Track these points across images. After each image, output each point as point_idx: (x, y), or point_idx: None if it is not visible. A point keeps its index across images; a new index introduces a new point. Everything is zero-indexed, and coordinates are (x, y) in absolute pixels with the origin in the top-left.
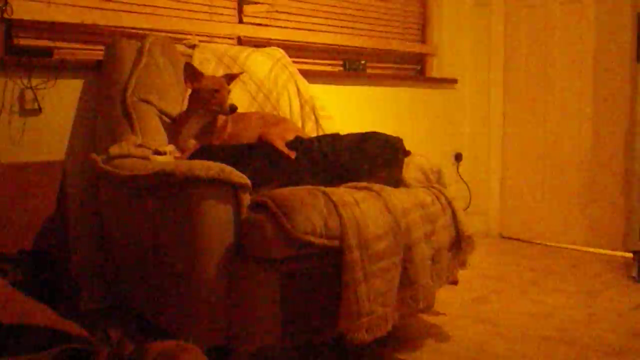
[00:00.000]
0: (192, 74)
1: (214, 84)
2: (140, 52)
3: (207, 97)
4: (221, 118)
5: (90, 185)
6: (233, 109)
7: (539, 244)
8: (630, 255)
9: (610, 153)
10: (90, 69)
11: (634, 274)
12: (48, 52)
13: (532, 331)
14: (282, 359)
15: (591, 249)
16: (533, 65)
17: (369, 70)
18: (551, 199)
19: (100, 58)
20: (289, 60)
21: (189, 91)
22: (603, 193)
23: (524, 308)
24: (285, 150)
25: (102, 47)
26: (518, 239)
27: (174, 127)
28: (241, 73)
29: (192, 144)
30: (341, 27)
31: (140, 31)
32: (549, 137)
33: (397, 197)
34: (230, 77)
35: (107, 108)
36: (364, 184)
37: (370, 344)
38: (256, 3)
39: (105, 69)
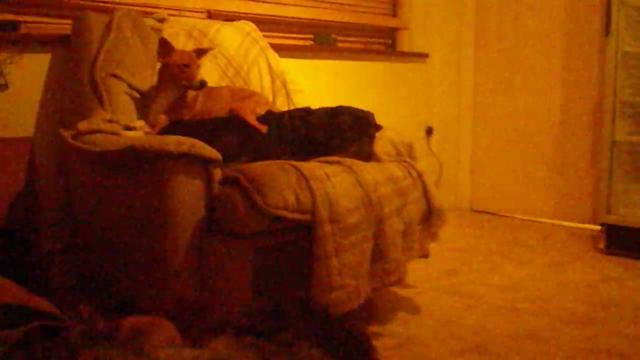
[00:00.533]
0: (164, 48)
1: (184, 59)
2: (108, 26)
3: (177, 72)
4: (191, 93)
5: (60, 162)
6: (203, 84)
7: (509, 217)
8: (599, 227)
9: (579, 127)
10: (58, 43)
11: (602, 246)
12: (14, 25)
13: (502, 303)
14: (253, 328)
15: (560, 222)
16: (504, 39)
17: (339, 45)
18: (521, 173)
19: (68, 32)
20: (260, 34)
21: (159, 66)
22: (572, 166)
23: (494, 280)
24: (257, 124)
25: (70, 21)
26: (488, 212)
27: (144, 102)
28: (211, 49)
29: (163, 119)
30: (312, 0)
31: (109, 5)
32: (519, 111)
33: (368, 171)
34: (200, 52)
35: (75, 83)
36: (335, 158)
37: (343, 317)
38: None
39: (74, 44)
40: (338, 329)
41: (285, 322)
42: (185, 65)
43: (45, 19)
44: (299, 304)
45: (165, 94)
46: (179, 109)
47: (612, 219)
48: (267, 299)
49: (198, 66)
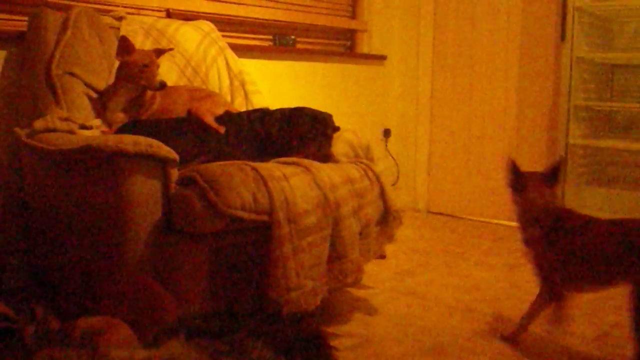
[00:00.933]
0: (124, 47)
1: (143, 59)
2: (65, 23)
3: (136, 72)
4: (149, 92)
5: (14, 160)
6: (162, 85)
7: (464, 218)
8: None
9: (535, 130)
10: (13, 40)
11: None
12: None
13: (458, 303)
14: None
15: (514, 224)
16: (461, 43)
17: (299, 46)
18: (477, 175)
19: (24, 29)
20: (219, 34)
21: (117, 64)
22: (527, 169)
23: (450, 281)
24: (214, 124)
25: (26, 18)
26: (445, 214)
27: (101, 100)
28: (171, 49)
29: (120, 117)
30: (271, 1)
31: (66, 2)
32: (475, 114)
33: (326, 172)
34: (159, 52)
35: (31, 81)
36: (293, 159)
37: (299, 317)
38: None
39: (29, 41)
40: (292, 328)
41: (239, 323)
42: (145, 65)
43: (1, 15)
44: (252, 304)
45: (123, 93)
46: (137, 108)
47: None
48: (223, 300)
49: (157, 66)
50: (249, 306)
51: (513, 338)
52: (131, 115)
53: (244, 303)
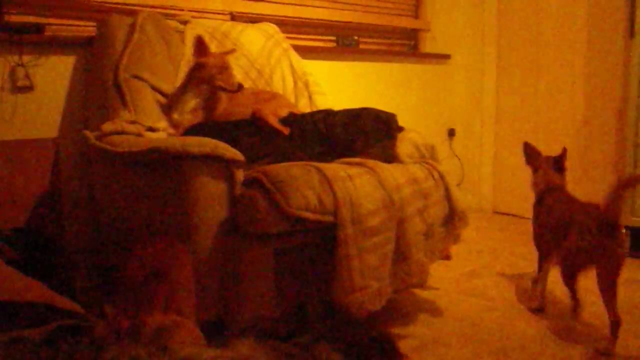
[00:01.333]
0: (200, 47)
1: (220, 61)
2: (132, 28)
3: (214, 74)
4: (218, 94)
5: (84, 162)
6: (240, 86)
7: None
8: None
9: (603, 129)
10: (82, 46)
11: (627, 248)
12: (39, 28)
13: (524, 305)
14: (276, 333)
15: None
16: (526, 40)
17: (362, 46)
18: None
19: (92, 34)
20: (282, 36)
21: (182, 67)
22: (595, 168)
23: (516, 282)
24: (279, 126)
25: (94, 24)
26: (510, 214)
27: (169, 102)
28: (233, 50)
29: (188, 119)
30: (334, 2)
31: (132, 7)
32: (541, 113)
33: (390, 172)
34: (224, 54)
35: (99, 85)
36: (357, 159)
37: (365, 319)
38: None
39: (97, 46)
40: (360, 332)
41: (307, 325)
42: (223, 67)
43: (70, 22)
44: (321, 307)
45: (194, 95)
46: (206, 110)
47: (636, 222)
48: (290, 302)
49: (232, 68)
50: (315, 307)
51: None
52: (199, 117)
53: (310, 304)
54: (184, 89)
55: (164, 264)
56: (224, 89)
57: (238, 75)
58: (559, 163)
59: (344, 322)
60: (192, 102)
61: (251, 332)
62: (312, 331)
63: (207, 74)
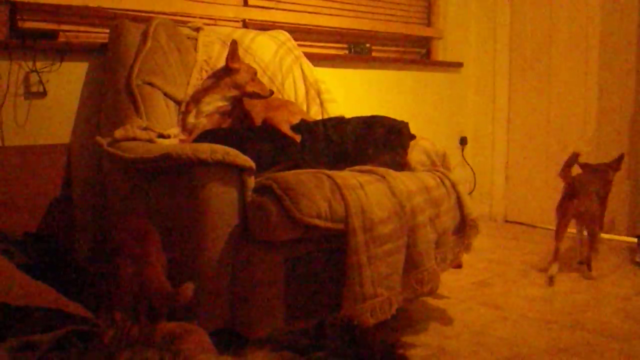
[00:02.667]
0: (234, 53)
1: (253, 68)
2: (145, 35)
3: (248, 80)
4: (250, 101)
5: (96, 168)
6: (272, 92)
7: (543, 228)
8: (635, 240)
9: (616, 137)
10: (95, 52)
11: (638, 259)
12: (53, 34)
13: (536, 315)
14: (293, 346)
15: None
16: (538, 48)
17: (374, 54)
18: (556, 184)
19: (105, 41)
20: (294, 43)
21: (194, 74)
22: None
23: (527, 292)
24: (290, 133)
25: (107, 30)
26: (522, 223)
27: (186, 107)
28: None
29: (203, 123)
30: (346, 10)
31: (145, 14)
32: (554, 121)
33: (401, 180)
34: None
35: (112, 91)
36: (368, 167)
37: (375, 327)
38: None
39: (110, 52)
40: (374, 348)
41: (323, 341)
42: (255, 74)
43: (83, 28)
44: (339, 324)
45: (218, 97)
46: (223, 116)
47: None
48: (297, 308)
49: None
50: (334, 326)
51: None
52: (215, 122)
53: (320, 312)
54: (206, 91)
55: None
56: (257, 95)
57: None
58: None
59: (358, 337)
60: (213, 104)
61: (267, 343)
62: (327, 348)
63: (241, 79)
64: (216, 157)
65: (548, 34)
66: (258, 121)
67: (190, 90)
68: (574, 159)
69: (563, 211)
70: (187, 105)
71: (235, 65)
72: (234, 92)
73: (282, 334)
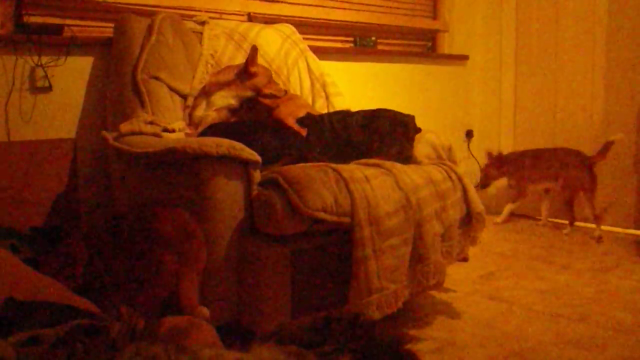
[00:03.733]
0: (254, 57)
1: (270, 72)
2: (150, 29)
3: (265, 83)
4: (270, 101)
5: (102, 163)
6: (286, 91)
7: (549, 221)
8: None
9: (623, 130)
10: (100, 46)
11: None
12: (58, 29)
13: (542, 308)
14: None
15: (603, 227)
16: (545, 41)
17: (379, 47)
18: None
19: (110, 35)
20: (300, 36)
21: (199, 68)
22: (614, 171)
23: (534, 285)
24: (296, 127)
25: (112, 24)
26: (529, 216)
27: (195, 100)
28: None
29: (212, 117)
30: (352, 2)
31: (150, 8)
32: (560, 114)
33: (407, 173)
34: None
35: (117, 85)
36: (374, 160)
37: (381, 321)
38: None
39: (116, 46)
40: (381, 343)
41: (331, 335)
42: (271, 78)
43: (89, 23)
44: (345, 318)
45: (232, 95)
46: (235, 112)
47: None
48: (303, 301)
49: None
50: (342, 321)
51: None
52: (223, 117)
53: (327, 306)
54: (221, 86)
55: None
56: (273, 96)
57: None
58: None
59: (365, 331)
60: (226, 100)
61: (273, 338)
62: (334, 341)
63: (259, 83)
64: (222, 151)
65: (554, 27)
66: (264, 115)
67: (196, 84)
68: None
69: None
70: (196, 99)
71: (254, 69)
72: (249, 93)
73: (289, 328)
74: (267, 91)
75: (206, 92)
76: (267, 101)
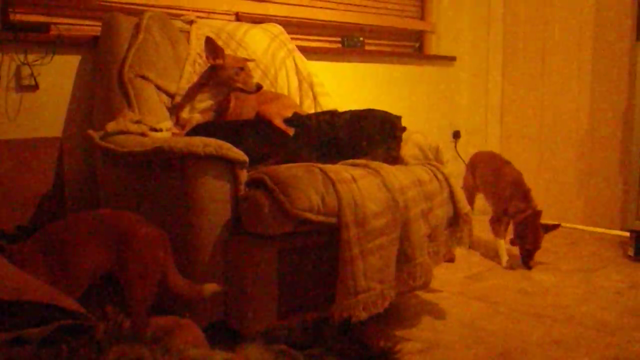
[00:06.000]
0: (213, 49)
1: (238, 62)
2: (137, 28)
3: (232, 75)
4: (231, 96)
5: (88, 162)
6: (259, 87)
7: None
8: (627, 234)
9: (608, 132)
10: (87, 45)
11: (631, 252)
12: (44, 27)
13: (528, 309)
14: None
15: (588, 228)
16: (532, 43)
17: (367, 47)
18: (548, 178)
19: (98, 34)
20: (287, 36)
21: (187, 67)
22: (600, 172)
23: (520, 286)
24: (283, 126)
25: (99, 23)
26: None
27: (180, 101)
28: (252, 60)
29: (197, 119)
30: (339, 3)
31: (138, 7)
32: (546, 116)
33: (394, 174)
34: (246, 60)
35: (104, 84)
36: (361, 161)
37: (367, 321)
38: None
39: (103, 45)
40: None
41: (320, 337)
42: (240, 69)
43: (75, 21)
44: (321, 307)
45: (210, 95)
46: (218, 111)
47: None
48: (289, 302)
49: (250, 70)
50: (331, 325)
51: None
52: (208, 118)
53: (312, 306)
54: (199, 88)
55: None
56: (243, 90)
57: None
58: None
59: (354, 333)
60: (206, 102)
61: (261, 338)
62: (323, 343)
63: (225, 75)
64: (208, 151)
65: (542, 28)
66: (251, 115)
67: (183, 84)
68: None
69: None
70: (181, 101)
71: (218, 62)
72: (223, 88)
73: (279, 329)
74: (234, 85)
75: (189, 96)
76: (239, 99)
